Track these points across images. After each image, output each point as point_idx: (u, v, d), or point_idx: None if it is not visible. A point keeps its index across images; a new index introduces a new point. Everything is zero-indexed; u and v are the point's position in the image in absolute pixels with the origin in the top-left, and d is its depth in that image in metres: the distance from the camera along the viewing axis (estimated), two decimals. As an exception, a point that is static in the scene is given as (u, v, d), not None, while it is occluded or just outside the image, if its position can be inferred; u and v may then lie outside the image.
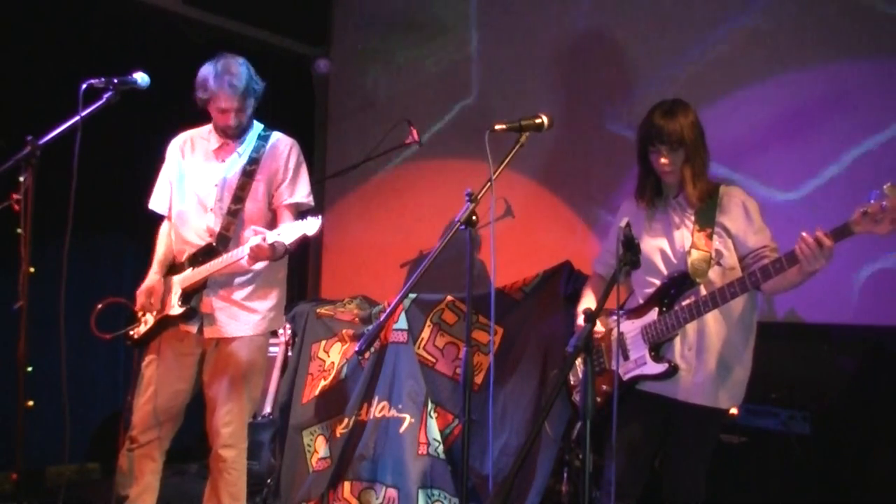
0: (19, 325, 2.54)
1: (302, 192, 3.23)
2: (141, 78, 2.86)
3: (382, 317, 3.42)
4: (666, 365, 2.59)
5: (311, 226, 2.86)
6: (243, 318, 3.15)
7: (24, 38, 4.32)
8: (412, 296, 3.73)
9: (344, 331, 3.95)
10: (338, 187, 5.68)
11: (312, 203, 3.28)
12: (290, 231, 2.86)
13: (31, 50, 4.33)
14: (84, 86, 2.69)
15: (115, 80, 2.80)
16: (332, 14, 5.93)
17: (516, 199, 4.58)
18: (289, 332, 4.27)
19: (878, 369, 3.47)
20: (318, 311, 4.11)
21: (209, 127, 3.28)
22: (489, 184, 2.37)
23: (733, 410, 2.79)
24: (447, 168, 5.07)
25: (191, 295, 3.12)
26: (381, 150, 4.45)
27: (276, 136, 3.27)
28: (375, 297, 4.41)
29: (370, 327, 3.75)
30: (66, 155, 2.61)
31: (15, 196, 2.55)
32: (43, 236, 2.65)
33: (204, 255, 3.13)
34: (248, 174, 3.17)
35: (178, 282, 3.15)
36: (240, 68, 3.08)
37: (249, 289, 3.16)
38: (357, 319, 3.97)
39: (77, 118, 2.67)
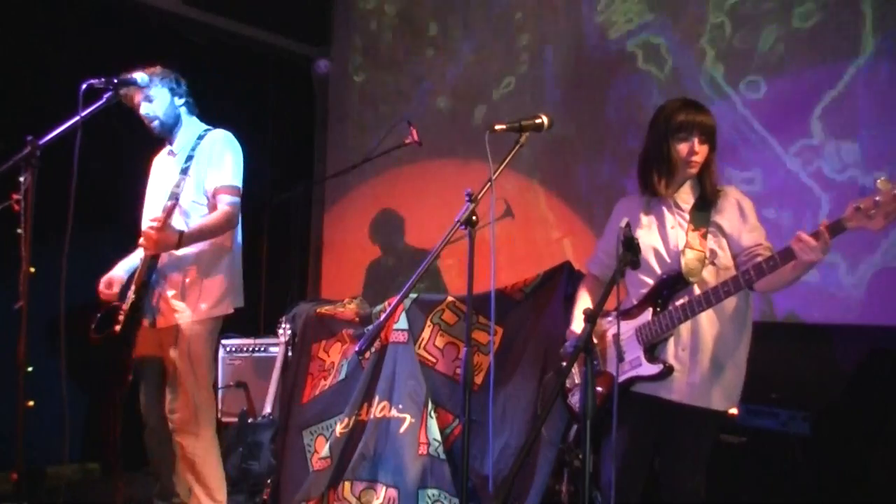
0: (19, 325, 2.54)
1: (227, 175, 3.31)
2: (141, 78, 2.88)
3: (382, 317, 3.42)
4: (661, 366, 2.58)
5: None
6: (184, 306, 3.29)
7: (25, 38, 4.32)
8: (412, 296, 3.72)
9: (344, 331, 3.95)
10: (338, 187, 5.68)
11: (235, 183, 3.35)
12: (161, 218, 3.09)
13: (31, 50, 4.33)
14: (84, 86, 2.70)
15: (115, 80, 2.81)
16: (332, 14, 5.93)
17: (516, 200, 4.58)
18: (289, 332, 4.27)
19: (878, 369, 3.46)
20: (318, 311, 4.11)
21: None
22: (489, 184, 2.37)
23: (733, 410, 2.78)
24: (447, 168, 5.07)
25: (142, 289, 3.27)
26: (381, 150, 4.45)
27: (214, 132, 3.40)
28: (375, 298, 4.41)
29: (370, 327, 3.74)
30: (66, 155, 2.61)
31: (15, 196, 2.56)
32: (43, 236, 2.65)
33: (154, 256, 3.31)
34: (183, 171, 3.30)
35: (134, 279, 3.33)
36: (139, 72, 3.22)
37: (189, 279, 3.29)
38: (357, 319, 3.97)
39: (77, 118, 2.67)
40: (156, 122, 3.31)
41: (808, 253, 2.31)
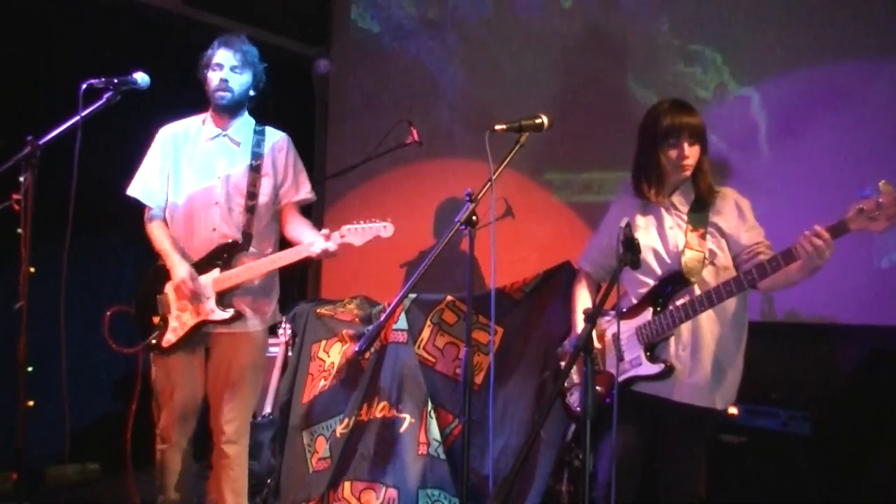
0: (19, 325, 2.54)
1: (306, 189, 3.29)
2: (141, 78, 2.86)
3: (382, 317, 3.42)
4: (662, 365, 2.58)
5: (387, 230, 3.05)
6: (253, 315, 3.19)
7: (25, 37, 4.32)
8: (412, 296, 3.73)
9: (344, 331, 3.95)
10: (338, 187, 5.68)
11: (315, 197, 3.36)
12: (362, 235, 3.02)
13: (31, 50, 4.33)
14: (84, 86, 2.69)
15: (115, 80, 2.80)
16: (332, 14, 5.93)
17: (517, 199, 4.58)
18: (289, 332, 4.27)
19: (878, 369, 3.47)
20: (318, 311, 4.11)
21: (203, 116, 3.26)
22: (489, 184, 2.37)
23: (733, 410, 2.79)
24: (447, 168, 5.07)
25: (224, 296, 3.11)
26: (381, 150, 4.45)
27: (272, 132, 3.28)
28: (375, 297, 4.41)
29: (370, 327, 3.75)
30: (66, 155, 2.61)
31: (15, 196, 2.55)
32: (43, 236, 2.64)
33: (228, 253, 3.11)
34: (255, 169, 3.17)
35: (211, 283, 3.09)
36: (245, 40, 3.17)
37: (262, 288, 3.22)
38: (357, 319, 3.97)
39: (77, 118, 2.67)
40: (227, 96, 3.12)
41: (812, 259, 2.31)
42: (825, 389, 3.51)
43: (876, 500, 3.21)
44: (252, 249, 3.15)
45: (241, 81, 3.14)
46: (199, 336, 3.15)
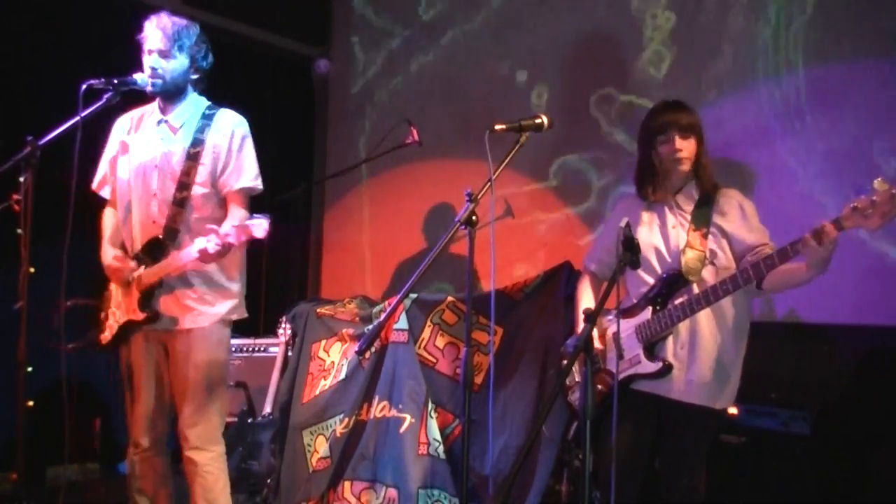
0: (19, 325, 2.54)
1: (248, 176, 2.97)
2: (141, 78, 2.85)
3: (382, 317, 3.42)
4: (660, 363, 2.59)
5: (259, 228, 2.63)
6: (201, 309, 2.96)
7: (25, 38, 4.32)
8: (412, 296, 3.72)
9: (344, 331, 3.95)
10: (338, 187, 5.68)
11: (261, 187, 3.04)
12: (236, 233, 2.65)
13: (31, 50, 4.33)
14: (84, 86, 2.69)
15: (115, 81, 2.79)
16: (332, 14, 5.93)
17: (516, 199, 4.58)
18: (289, 332, 4.27)
19: (878, 369, 3.46)
20: (318, 310, 4.11)
21: (154, 103, 3.04)
22: (489, 184, 2.37)
23: (733, 410, 2.79)
24: (447, 168, 5.07)
25: (149, 295, 2.90)
26: (381, 150, 4.45)
27: (222, 113, 3.02)
28: (375, 297, 4.41)
29: (370, 327, 3.75)
30: (66, 155, 2.61)
31: (15, 196, 2.56)
32: (43, 236, 2.65)
33: (151, 250, 2.91)
34: (192, 157, 2.91)
35: (134, 281, 2.91)
36: (178, 19, 2.94)
37: (207, 285, 2.97)
38: (357, 319, 3.97)
39: (77, 118, 2.66)
40: (158, 83, 2.88)
41: (818, 249, 2.31)
42: (825, 389, 3.50)
43: (876, 500, 3.21)
44: (180, 244, 2.87)
45: (172, 67, 2.89)
46: (149, 336, 2.97)
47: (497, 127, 2.44)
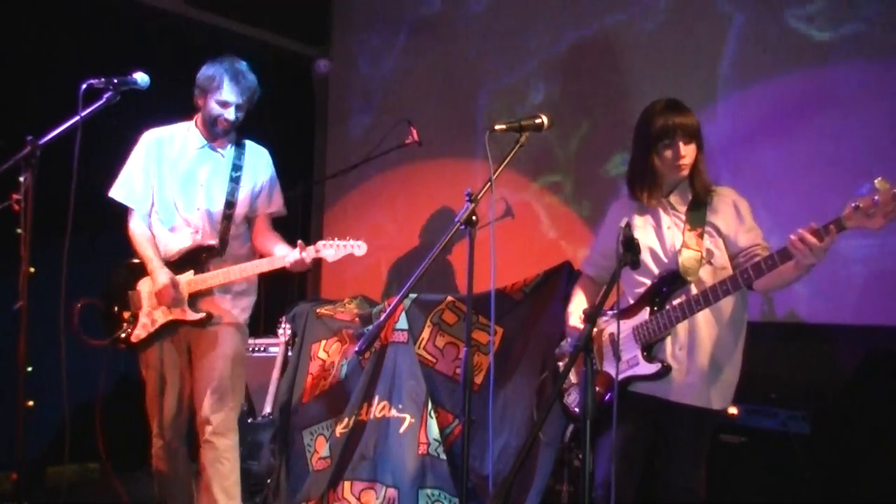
0: (19, 325, 2.54)
1: (279, 203, 3.43)
2: (141, 78, 2.86)
3: (382, 317, 3.42)
4: (658, 365, 2.58)
5: (360, 249, 3.18)
6: (232, 311, 3.27)
7: (25, 38, 4.32)
8: (412, 296, 3.73)
9: (344, 331, 3.95)
10: (338, 187, 5.68)
11: (286, 212, 3.47)
12: (335, 251, 3.13)
13: (31, 50, 4.33)
14: (84, 86, 2.69)
15: (115, 80, 2.79)
16: (332, 14, 5.93)
17: (516, 199, 4.58)
18: (289, 331, 4.27)
19: (878, 369, 3.46)
20: (318, 311, 4.11)
21: (188, 124, 3.32)
22: (489, 184, 2.37)
23: (733, 410, 2.79)
24: (447, 168, 5.07)
25: (196, 297, 3.20)
26: (381, 150, 4.45)
27: (252, 145, 3.39)
28: (375, 298, 4.41)
29: (370, 327, 3.75)
30: (66, 155, 2.61)
31: (15, 196, 2.55)
32: (43, 236, 2.65)
33: (204, 257, 3.21)
34: (234, 180, 3.27)
35: (184, 284, 3.18)
36: (249, 70, 3.24)
37: (237, 288, 3.30)
38: (357, 319, 3.97)
39: (77, 118, 2.66)
40: (228, 129, 3.24)
41: (808, 256, 2.30)
42: (825, 389, 3.50)
43: (875, 500, 3.21)
44: (227, 254, 3.25)
45: (241, 116, 3.24)
46: (177, 333, 3.22)
47: (497, 127, 2.44)
